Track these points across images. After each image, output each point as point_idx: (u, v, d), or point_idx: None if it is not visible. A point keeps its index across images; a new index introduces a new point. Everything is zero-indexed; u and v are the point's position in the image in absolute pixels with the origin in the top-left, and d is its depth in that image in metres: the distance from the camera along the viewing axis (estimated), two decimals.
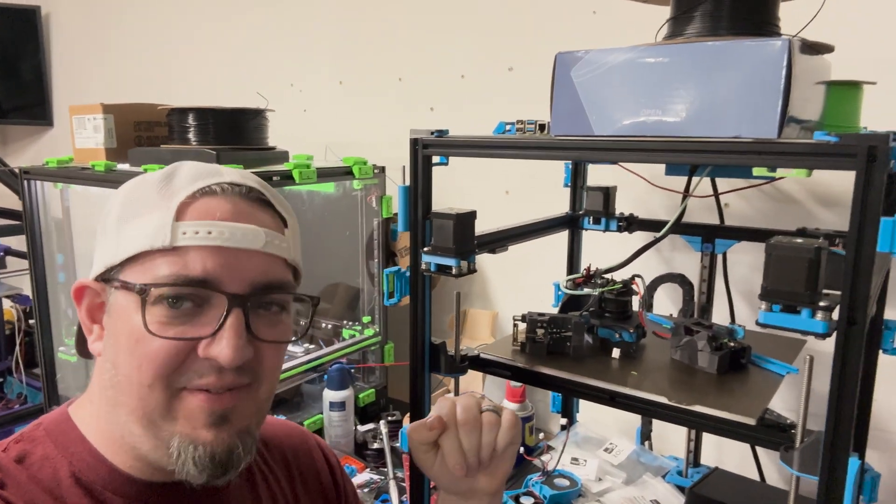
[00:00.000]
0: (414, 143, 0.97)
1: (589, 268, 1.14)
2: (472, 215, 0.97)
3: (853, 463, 0.71)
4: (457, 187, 1.44)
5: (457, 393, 1.03)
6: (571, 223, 1.41)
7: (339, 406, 1.58)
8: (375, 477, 1.45)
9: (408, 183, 0.99)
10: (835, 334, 0.71)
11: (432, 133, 0.97)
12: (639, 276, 1.10)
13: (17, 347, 2.34)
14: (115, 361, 0.61)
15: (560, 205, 1.42)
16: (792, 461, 0.76)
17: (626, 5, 1.11)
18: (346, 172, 1.68)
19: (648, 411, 0.91)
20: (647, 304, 1.18)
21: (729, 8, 0.85)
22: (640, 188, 1.27)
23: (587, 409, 1.56)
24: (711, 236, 1.26)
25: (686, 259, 1.43)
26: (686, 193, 1.11)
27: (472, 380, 1.70)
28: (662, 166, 1.16)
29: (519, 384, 1.51)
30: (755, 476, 1.35)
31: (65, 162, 1.73)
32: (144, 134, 1.73)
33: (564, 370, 0.98)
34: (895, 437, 1.33)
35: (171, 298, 0.58)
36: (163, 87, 2.59)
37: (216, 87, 2.46)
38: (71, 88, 3.07)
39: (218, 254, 0.59)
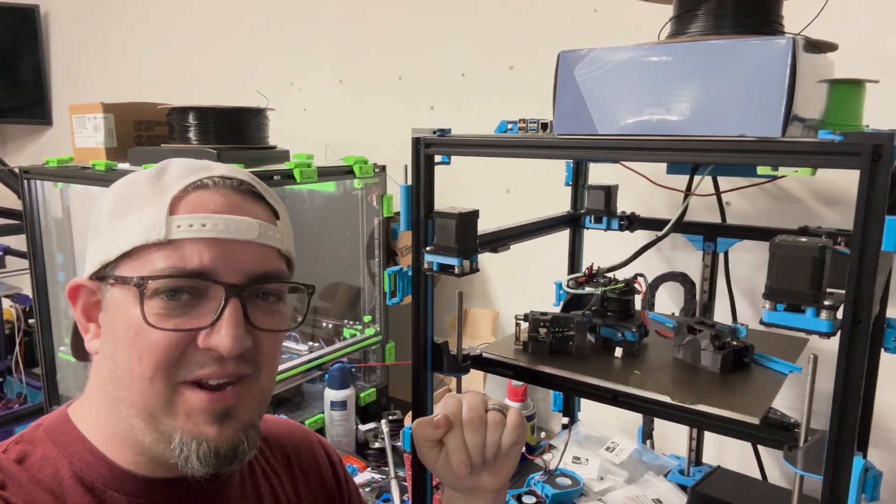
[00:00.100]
0: (416, 142, 0.97)
1: (591, 267, 1.13)
2: (474, 214, 0.97)
3: (857, 462, 0.71)
4: (458, 186, 1.44)
5: (459, 392, 1.03)
6: (573, 222, 1.41)
7: (341, 405, 1.58)
8: (377, 476, 1.45)
9: (410, 182, 0.99)
10: (839, 333, 0.71)
11: (434, 132, 0.96)
12: (641, 275, 1.10)
13: (17, 347, 2.34)
14: (113, 357, 0.61)
15: (561, 204, 1.42)
16: (796, 460, 0.76)
17: (627, 4, 1.11)
18: (346, 171, 1.68)
19: (651, 410, 0.91)
20: (649, 303, 1.18)
21: (732, 6, 0.85)
22: (641, 187, 1.27)
23: (588, 408, 1.56)
24: (713, 235, 1.26)
25: (687, 258, 1.43)
26: (688, 192, 1.11)
27: (473, 379, 1.70)
28: (663, 165, 1.16)
29: (520, 383, 1.51)
30: (757, 475, 1.35)
31: (65, 161, 1.72)
32: (145, 133, 1.72)
33: (567, 369, 0.98)
34: None
35: (169, 291, 0.59)
36: (162, 86, 2.58)
37: (216, 87, 2.45)
38: (70, 88, 3.06)
39: (213, 245, 0.60)
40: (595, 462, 1.38)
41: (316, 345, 1.81)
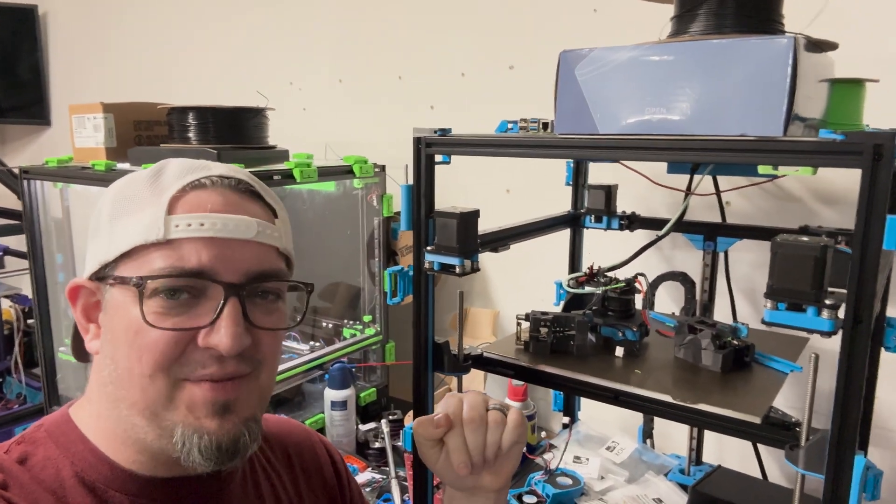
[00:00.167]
0: (417, 141, 0.97)
1: (592, 266, 1.13)
2: (475, 214, 0.97)
3: (859, 461, 0.71)
4: (457, 186, 1.44)
5: (460, 392, 1.03)
6: (573, 222, 1.41)
7: (341, 405, 1.58)
8: (377, 476, 1.45)
9: (410, 182, 0.98)
10: (840, 332, 0.71)
11: (435, 132, 0.96)
12: (642, 274, 1.10)
13: (17, 347, 2.34)
14: (113, 356, 0.61)
15: (561, 203, 1.42)
16: (797, 460, 0.76)
17: (627, 3, 1.11)
18: (346, 171, 1.68)
19: (653, 410, 0.91)
20: (650, 302, 1.18)
21: (733, 5, 0.85)
22: (641, 186, 1.27)
23: (588, 408, 1.56)
24: (713, 234, 1.26)
25: (687, 257, 1.43)
26: (688, 192, 1.11)
27: (474, 378, 1.70)
28: (663, 165, 1.16)
29: (521, 383, 1.51)
30: (757, 474, 1.35)
31: (65, 161, 1.72)
32: (144, 133, 1.72)
33: (568, 369, 0.98)
34: None
35: (169, 290, 0.59)
36: (162, 86, 2.58)
37: (216, 87, 2.45)
38: (69, 88, 3.06)
39: (212, 245, 0.60)
40: (595, 461, 1.38)
41: (316, 345, 1.81)
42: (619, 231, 1.37)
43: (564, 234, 1.42)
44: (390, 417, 1.61)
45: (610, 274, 1.13)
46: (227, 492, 0.69)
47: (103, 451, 0.63)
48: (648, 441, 1.47)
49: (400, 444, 1.51)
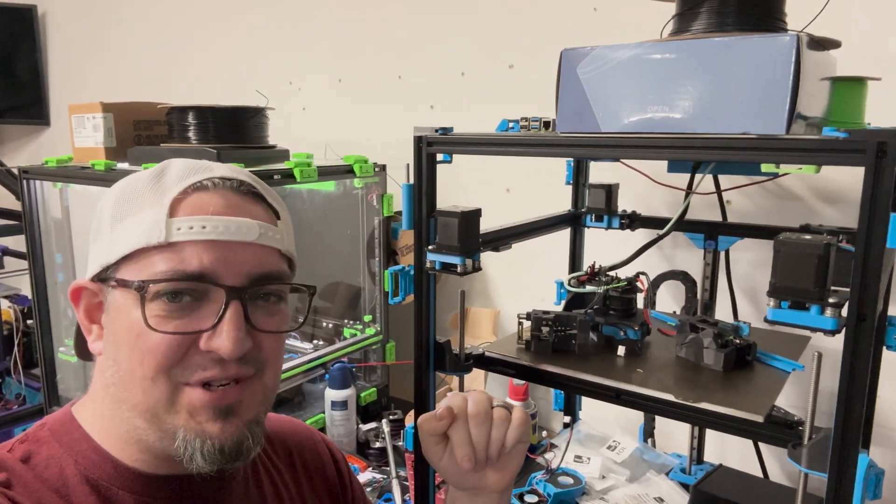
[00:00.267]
0: (418, 140, 0.97)
1: (593, 265, 1.13)
2: (476, 213, 0.97)
3: (863, 460, 0.71)
4: (458, 185, 1.44)
5: (462, 391, 1.03)
6: (574, 221, 1.41)
7: (341, 405, 1.58)
8: (378, 476, 1.45)
9: (411, 181, 0.98)
10: (843, 331, 0.71)
11: (436, 130, 0.96)
12: (643, 273, 1.10)
13: (16, 348, 2.33)
14: (116, 358, 0.61)
15: (561, 202, 1.42)
16: (800, 458, 0.76)
17: (628, 2, 1.11)
18: (347, 171, 1.67)
19: (655, 409, 0.90)
20: (651, 301, 1.18)
21: (735, 3, 0.85)
22: (641, 185, 1.27)
23: (589, 407, 1.56)
24: (714, 233, 1.26)
25: (688, 256, 1.43)
26: (689, 190, 1.11)
27: (475, 377, 1.70)
28: (664, 163, 1.16)
29: (522, 382, 1.51)
30: (758, 473, 1.35)
31: (64, 161, 1.72)
32: (144, 133, 1.72)
33: (570, 368, 0.98)
34: None
35: (171, 293, 0.59)
36: (161, 86, 2.58)
37: (215, 87, 2.45)
38: (68, 88, 3.06)
39: (213, 247, 0.60)
40: (597, 461, 1.38)
41: (317, 344, 1.81)
42: (619, 230, 1.37)
43: (565, 234, 1.42)
44: (391, 417, 1.61)
45: (611, 273, 1.13)
46: (230, 490, 0.69)
47: (107, 450, 0.63)
48: (649, 440, 1.47)
49: (401, 443, 1.51)
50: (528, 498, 1.27)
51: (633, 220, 1.36)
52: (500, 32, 1.73)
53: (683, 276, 1.21)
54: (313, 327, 1.91)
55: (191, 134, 1.55)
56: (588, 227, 1.40)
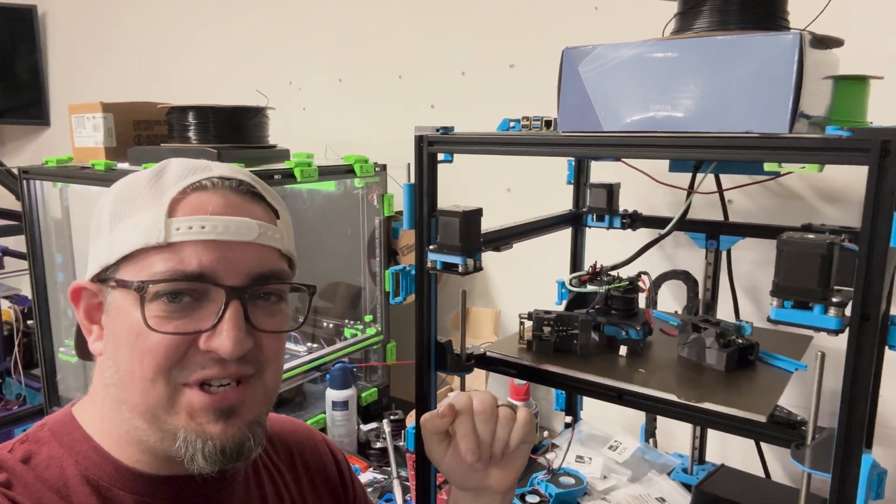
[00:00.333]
0: (419, 140, 0.96)
1: (594, 265, 1.13)
2: (478, 213, 0.96)
3: (866, 460, 0.71)
4: (458, 185, 1.43)
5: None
6: (575, 220, 1.40)
7: (342, 405, 1.58)
8: (379, 476, 1.44)
9: (412, 181, 0.98)
10: (846, 331, 0.70)
11: (437, 130, 0.96)
12: (645, 273, 1.10)
13: (16, 348, 2.33)
14: (115, 359, 0.61)
15: (562, 202, 1.41)
16: (804, 458, 0.75)
17: (629, 1, 1.10)
18: (347, 171, 1.67)
19: (657, 409, 0.90)
20: (653, 301, 1.18)
21: (738, 2, 0.84)
22: (642, 185, 1.27)
23: (591, 407, 1.56)
24: (716, 233, 1.26)
25: (689, 256, 1.42)
26: (691, 190, 1.11)
27: (476, 378, 1.70)
28: (665, 163, 1.16)
29: (523, 382, 1.51)
30: (760, 473, 1.35)
31: (64, 161, 1.71)
32: (144, 133, 1.72)
33: (572, 368, 0.97)
34: None
35: (170, 294, 0.59)
36: (161, 86, 2.57)
37: (216, 86, 2.44)
38: (68, 88, 3.05)
39: (213, 247, 0.59)
40: (598, 461, 1.38)
41: (317, 345, 1.80)
42: (621, 230, 1.36)
43: (566, 233, 1.42)
44: (392, 417, 1.60)
45: (613, 273, 1.12)
46: (231, 491, 0.69)
47: (107, 451, 0.63)
48: (651, 440, 1.46)
49: (402, 443, 1.51)
50: (529, 498, 1.27)
51: (634, 220, 1.36)
52: (500, 32, 1.73)
53: (685, 276, 1.20)
54: (314, 327, 1.90)
55: (191, 134, 1.55)
56: (589, 226, 1.40)
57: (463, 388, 1.07)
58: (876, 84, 0.94)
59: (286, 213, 0.68)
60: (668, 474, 1.35)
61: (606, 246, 1.34)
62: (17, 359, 2.32)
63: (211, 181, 0.63)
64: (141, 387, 0.59)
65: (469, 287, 1.84)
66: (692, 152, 0.83)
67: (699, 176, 1.10)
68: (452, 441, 0.73)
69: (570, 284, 1.11)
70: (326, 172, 1.61)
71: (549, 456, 1.39)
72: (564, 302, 1.20)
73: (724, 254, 1.31)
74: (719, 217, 1.33)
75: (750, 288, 1.40)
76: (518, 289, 1.80)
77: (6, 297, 2.37)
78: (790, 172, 0.77)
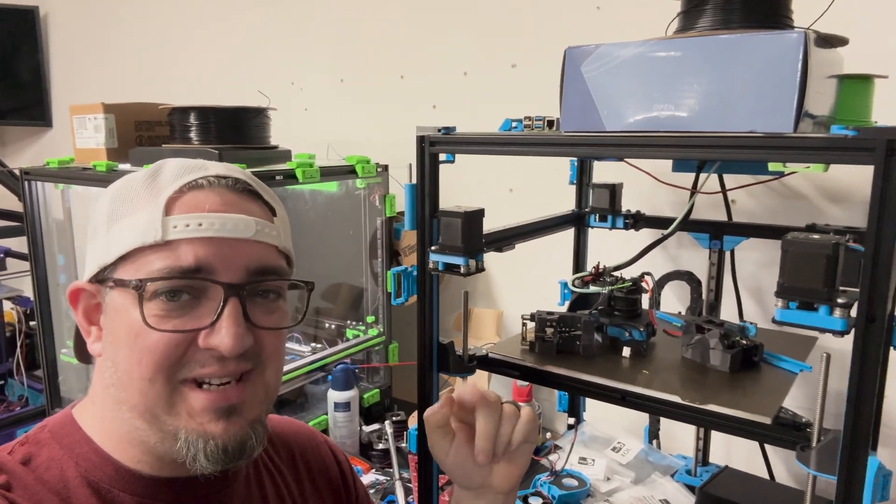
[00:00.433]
0: (420, 140, 0.96)
1: (597, 266, 1.12)
2: (480, 213, 0.96)
3: (873, 462, 0.70)
4: (460, 185, 1.43)
5: None
6: (577, 221, 1.40)
7: (344, 406, 1.57)
8: (381, 478, 1.44)
9: (414, 181, 0.98)
10: (852, 331, 0.70)
11: (439, 130, 0.95)
12: (648, 273, 1.09)
13: (18, 349, 2.33)
14: (114, 359, 0.61)
15: (564, 202, 1.41)
16: (809, 461, 0.75)
17: (630, 1, 1.10)
18: (349, 171, 1.67)
19: (660, 410, 0.89)
20: (656, 301, 1.17)
21: (741, 0, 0.84)
22: (645, 185, 1.26)
23: (594, 408, 1.55)
24: (719, 233, 1.25)
25: (692, 256, 1.42)
26: (694, 190, 1.10)
27: (478, 379, 1.69)
28: (668, 163, 1.15)
29: (525, 384, 1.50)
30: (764, 474, 1.34)
31: (66, 162, 1.71)
32: (145, 133, 1.71)
33: (575, 369, 0.97)
34: None
35: (169, 292, 0.59)
36: (162, 86, 2.57)
37: (216, 87, 2.44)
38: (70, 89, 3.06)
39: (209, 243, 0.59)
40: (601, 462, 1.37)
41: (319, 346, 1.80)
42: (623, 230, 1.36)
43: (568, 234, 1.41)
44: (394, 419, 1.60)
45: (616, 273, 1.12)
46: (231, 491, 0.69)
47: (108, 452, 0.63)
48: (654, 442, 1.46)
49: (404, 445, 1.50)
50: (532, 500, 1.26)
51: (637, 220, 1.35)
52: (502, 32, 1.73)
53: (688, 277, 1.20)
54: (316, 328, 1.90)
55: (192, 134, 1.55)
56: (592, 227, 1.39)
57: None
58: (880, 83, 0.94)
59: (283, 210, 0.68)
60: (672, 476, 1.35)
61: (609, 246, 1.33)
62: (19, 360, 2.33)
63: (207, 180, 0.62)
64: (140, 386, 0.59)
65: (471, 288, 1.83)
66: (695, 152, 0.82)
67: (703, 176, 1.09)
68: (455, 439, 0.73)
69: (573, 285, 1.10)
70: (328, 173, 1.61)
71: (552, 457, 1.39)
72: (567, 303, 1.20)
73: (727, 254, 1.30)
74: (723, 217, 1.32)
75: (754, 288, 1.40)
76: (520, 289, 1.79)
77: (9, 299, 2.37)
78: (794, 172, 0.77)
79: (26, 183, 1.74)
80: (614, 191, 1.33)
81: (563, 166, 1.41)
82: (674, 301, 1.43)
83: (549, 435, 1.64)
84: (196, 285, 0.59)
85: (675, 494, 1.28)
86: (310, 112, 2.17)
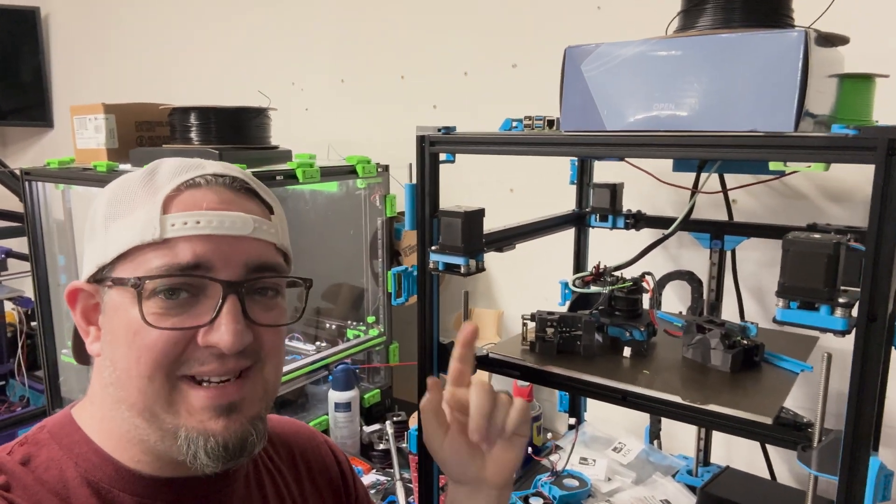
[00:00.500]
0: (421, 140, 0.96)
1: (598, 266, 1.12)
2: (480, 213, 0.96)
3: (874, 462, 0.70)
4: (461, 185, 1.43)
5: None
6: (578, 221, 1.40)
7: (345, 407, 1.57)
8: (382, 478, 1.44)
9: (414, 181, 0.97)
10: (853, 331, 0.70)
11: (439, 130, 0.95)
12: (649, 273, 1.09)
13: (19, 350, 2.33)
14: (113, 358, 0.61)
15: (564, 202, 1.41)
16: (810, 461, 0.74)
17: (631, 1, 1.10)
18: (349, 171, 1.67)
19: (661, 411, 0.89)
20: (657, 301, 1.17)
21: None
22: (646, 185, 1.26)
23: (594, 408, 1.55)
24: (720, 233, 1.25)
25: (693, 256, 1.42)
26: (695, 190, 1.10)
27: (478, 378, 1.69)
28: (669, 162, 1.15)
29: (526, 384, 1.50)
30: (765, 474, 1.34)
31: (66, 163, 1.71)
32: (146, 134, 1.71)
33: (575, 370, 0.96)
34: None
35: (167, 290, 0.59)
36: (163, 87, 2.57)
37: (216, 87, 2.44)
38: (70, 89, 3.06)
39: (208, 241, 0.60)
40: (602, 463, 1.37)
41: (320, 346, 1.80)
42: (624, 230, 1.35)
43: (569, 234, 1.41)
44: (394, 419, 1.60)
45: (616, 273, 1.11)
46: (231, 491, 0.69)
47: (107, 452, 0.63)
48: (655, 442, 1.46)
49: (404, 445, 1.50)
50: (533, 501, 1.26)
51: (638, 220, 1.35)
52: (502, 31, 1.72)
53: (689, 276, 1.20)
54: (316, 328, 1.90)
55: (193, 135, 1.54)
56: (592, 226, 1.39)
57: None
58: (881, 82, 0.93)
59: (280, 209, 0.68)
60: (673, 476, 1.35)
61: (610, 246, 1.33)
62: (20, 360, 2.33)
63: (204, 178, 0.63)
64: (139, 384, 0.59)
65: (471, 288, 1.83)
66: (696, 151, 0.82)
67: (703, 175, 1.09)
68: (450, 430, 0.74)
69: (574, 285, 1.10)
70: (328, 173, 1.61)
71: (553, 458, 1.39)
72: (568, 303, 1.19)
73: (728, 254, 1.30)
74: (724, 217, 1.32)
75: (755, 288, 1.40)
76: (521, 290, 1.79)
77: (9, 299, 2.37)
78: (795, 171, 0.77)
79: (27, 183, 1.74)
80: (615, 190, 1.33)
81: (563, 166, 1.41)
82: (675, 301, 1.43)
83: (549, 435, 1.64)
84: (194, 283, 0.59)
85: (677, 495, 1.28)
86: (310, 112, 2.17)
